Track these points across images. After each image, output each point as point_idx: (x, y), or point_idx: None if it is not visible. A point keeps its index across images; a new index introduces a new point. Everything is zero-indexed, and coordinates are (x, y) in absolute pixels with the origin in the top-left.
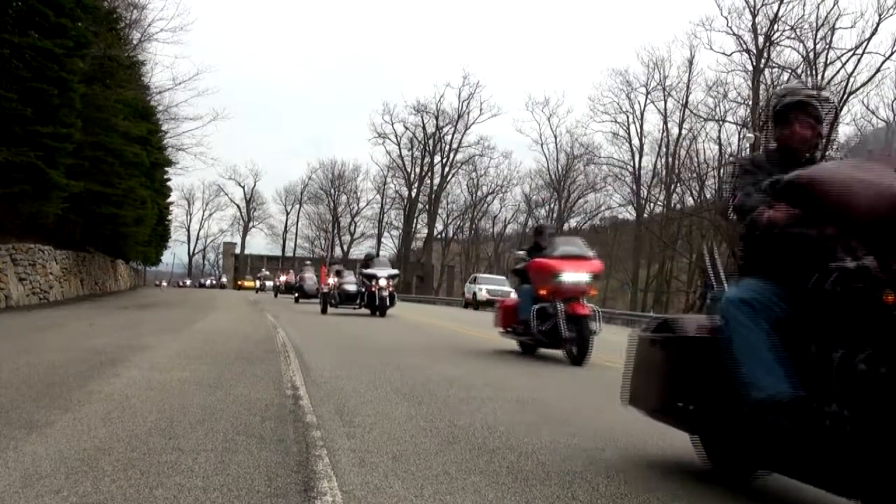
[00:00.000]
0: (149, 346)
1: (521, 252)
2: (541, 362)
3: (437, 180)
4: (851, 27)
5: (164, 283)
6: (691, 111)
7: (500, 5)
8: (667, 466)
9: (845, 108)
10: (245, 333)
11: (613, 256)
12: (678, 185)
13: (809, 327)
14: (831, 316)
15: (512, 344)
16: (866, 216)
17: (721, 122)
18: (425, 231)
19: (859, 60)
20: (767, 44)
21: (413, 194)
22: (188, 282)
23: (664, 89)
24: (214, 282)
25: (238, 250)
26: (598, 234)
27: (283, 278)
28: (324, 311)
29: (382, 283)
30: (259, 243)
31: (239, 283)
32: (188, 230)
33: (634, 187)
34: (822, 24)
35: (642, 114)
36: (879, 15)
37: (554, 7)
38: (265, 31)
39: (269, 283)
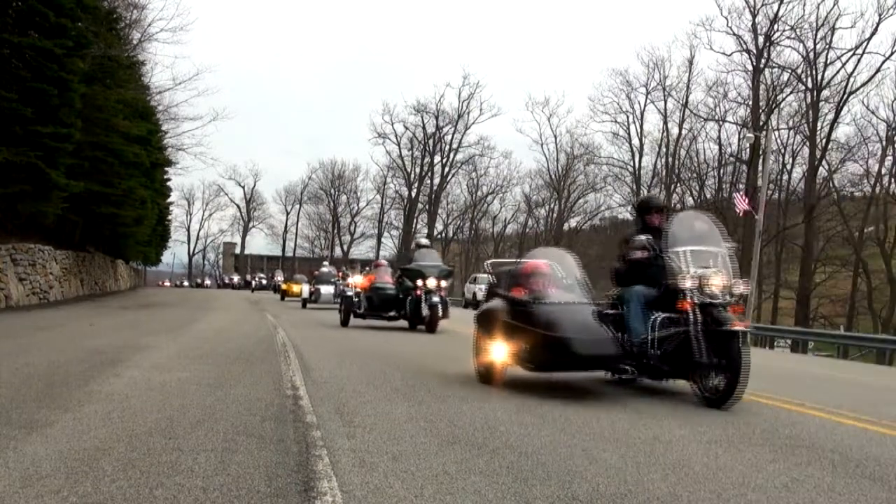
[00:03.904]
0: (149, 346)
1: (413, 263)
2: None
3: (437, 180)
4: (851, 27)
5: (168, 283)
6: (691, 111)
7: (500, 5)
8: (667, 466)
9: (845, 108)
10: (245, 333)
11: (614, 257)
12: (678, 185)
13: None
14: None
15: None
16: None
17: (721, 122)
18: (425, 231)
19: (859, 60)
20: (767, 44)
21: (413, 194)
22: (167, 283)
23: (664, 89)
24: (265, 281)
25: (238, 250)
26: (598, 233)
27: (354, 280)
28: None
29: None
30: (259, 243)
31: (284, 287)
32: (188, 230)
33: (634, 187)
34: (822, 24)
35: (642, 114)
36: (879, 15)
37: (554, 7)
38: (265, 32)
39: (325, 290)
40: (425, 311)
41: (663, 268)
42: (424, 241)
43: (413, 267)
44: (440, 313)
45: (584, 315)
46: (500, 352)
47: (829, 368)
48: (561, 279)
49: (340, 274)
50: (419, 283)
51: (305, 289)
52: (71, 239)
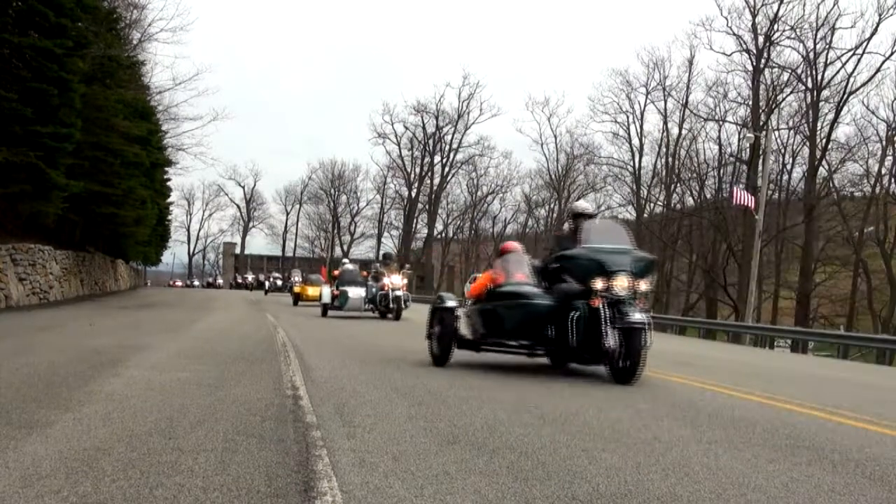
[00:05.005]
0: (149, 346)
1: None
2: (542, 363)
3: (437, 180)
4: (851, 27)
5: (178, 282)
6: (691, 111)
7: (500, 5)
8: (667, 466)
9: (845, 108)
10: (245, 333)
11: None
12: (678, 185)
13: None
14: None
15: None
16: None
17: (721, 122)
18: (425, 231)
19: (859, 60)
20: (767, 44)
21: (413, 194)
22: (179, 282)
23: (664, 89)
24: (280, 282)
25: (238, 250)
26: None
27: (392, 281)
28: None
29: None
30: (259, 243)
31: (298, 289)
32: (188, 230)
33: (634, 187)
34: (822, 24)
35: (642, 114)
36: (879, 15)
37: (554, 7)
38: (265, 32)
39: (354, 294)
40: (611, 342)
41: None
42: (586, 204)
43: (581, 254)
44: (642, 344)
45: None
46: None
47: (829, 369)
48: None
49: (365, 273)
50: (597, 284)
51: (326, 292)
52: (71, 239)
